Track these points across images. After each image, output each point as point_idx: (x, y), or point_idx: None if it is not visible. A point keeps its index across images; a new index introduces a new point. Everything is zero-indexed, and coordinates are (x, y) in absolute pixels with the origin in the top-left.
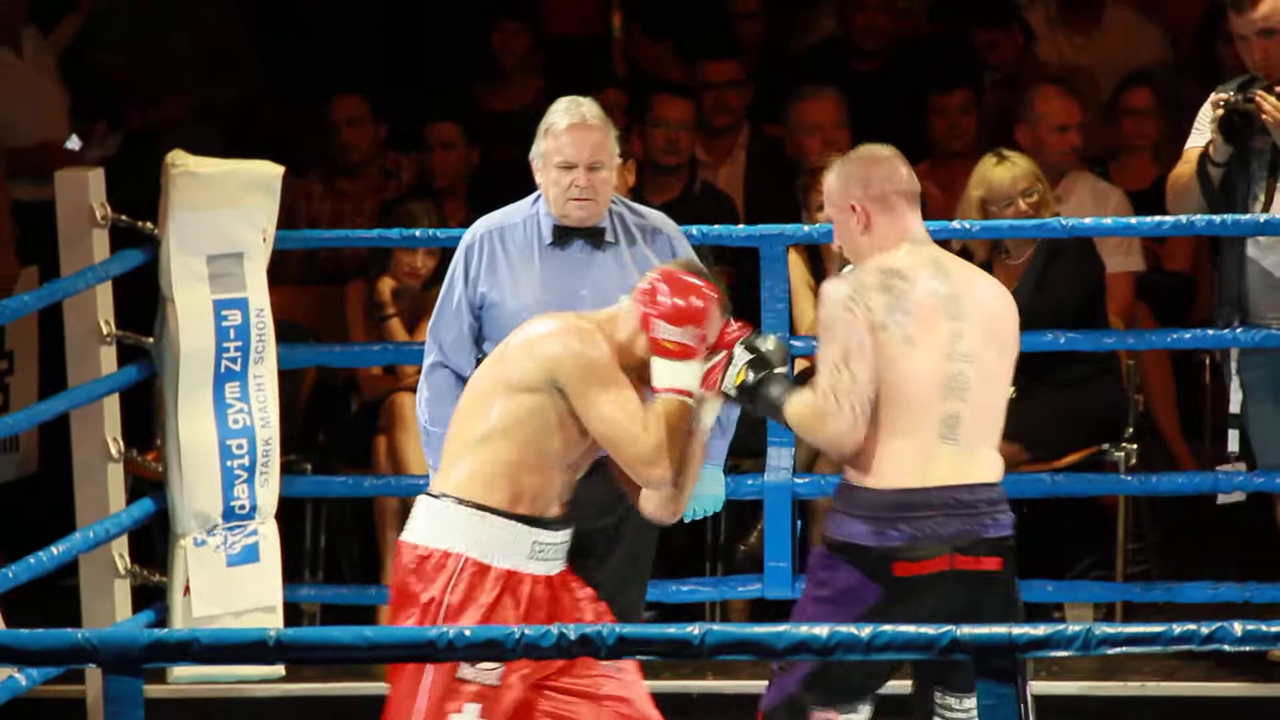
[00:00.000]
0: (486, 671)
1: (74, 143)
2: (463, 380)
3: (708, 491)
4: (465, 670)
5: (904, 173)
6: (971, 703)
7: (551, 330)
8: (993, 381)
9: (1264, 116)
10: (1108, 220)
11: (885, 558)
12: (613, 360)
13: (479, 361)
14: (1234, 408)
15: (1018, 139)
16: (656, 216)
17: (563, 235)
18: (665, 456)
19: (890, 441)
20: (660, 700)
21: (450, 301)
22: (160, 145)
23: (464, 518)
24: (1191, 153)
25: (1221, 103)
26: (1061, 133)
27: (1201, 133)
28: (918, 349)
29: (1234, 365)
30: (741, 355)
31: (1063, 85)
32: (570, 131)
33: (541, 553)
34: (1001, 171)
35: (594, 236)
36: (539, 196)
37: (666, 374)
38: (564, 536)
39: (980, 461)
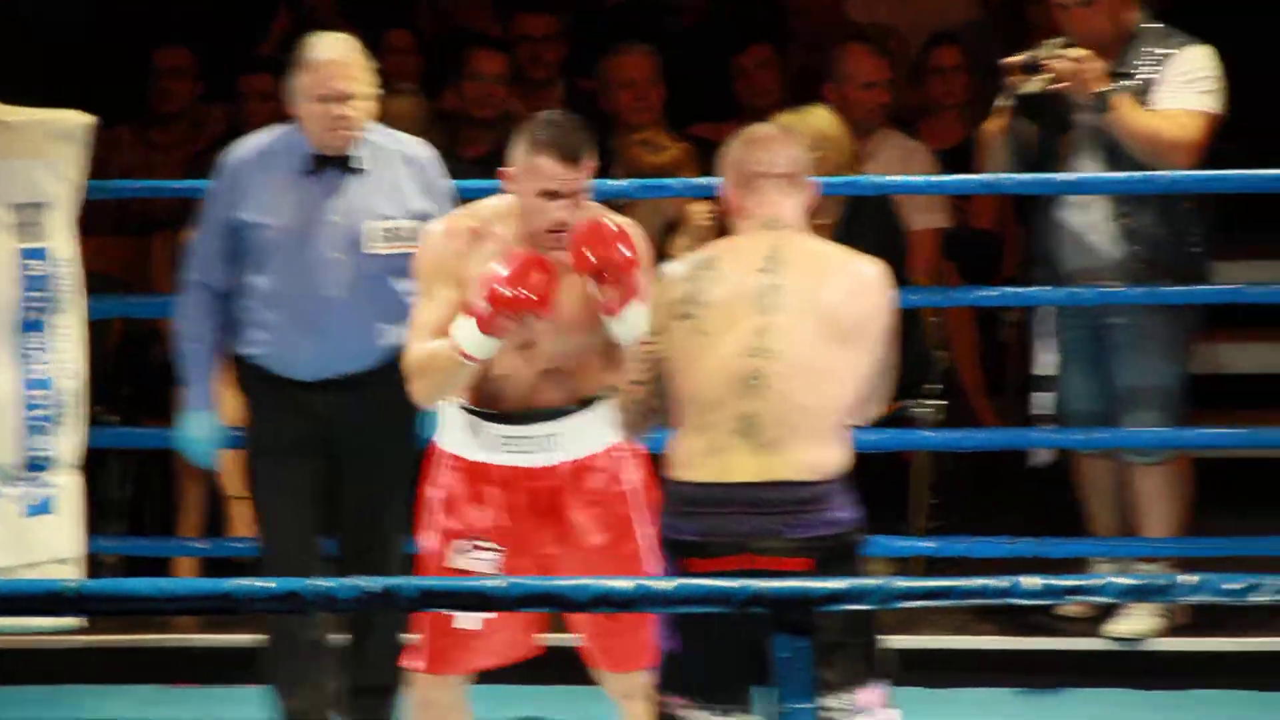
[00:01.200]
0: (478, 560)
1: None
2: (219, 296)
3: (204, 434)
4: (458, 561)
5: (770, 154)
6: (835, 700)
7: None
8: (809, 375)
9: (1055, 78)
10: (915, 178)
11: (681, 551)
12: (435, 263)
13: (235, 280)
14: (1038, 366)
15: (826, 97)
16: (412, 143)
17: (318, 163)
18: (421, 380)
19: (689, 435)
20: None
21: (207, 222)
22: None
23: (448, 415)
24: (1002, 110)
25: (1016, 69)
26: (868, 90)
27: (1011, 91)
28: (712, 343)
29: (1039, 323)
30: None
31: (870, 43)
32: (328, 65)
33: (508, 445)
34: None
35: (346, 163)
36: (296, 124)
37: (465, 336)
38: (533, 430)
39: (787, 459)
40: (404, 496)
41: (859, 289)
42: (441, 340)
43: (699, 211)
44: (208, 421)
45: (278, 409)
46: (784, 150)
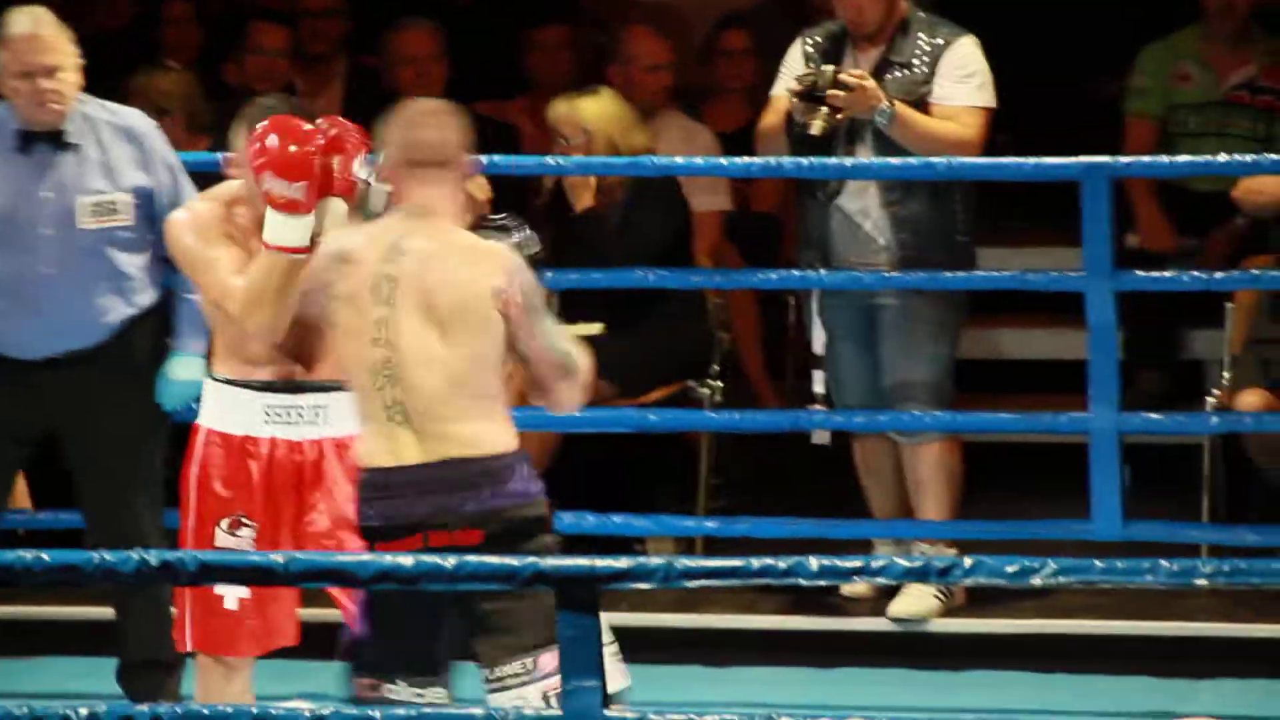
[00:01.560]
0: (238, 538)
1: None
2: None
3: (195, 376)
4: (220, 539)
5: (419, 139)
6: (510, 667)
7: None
8: (432, 362)
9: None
10: (699, 160)
11: (367, 536)
12: (203, 239)
13: None
14: (816, 348)
15: (610, 78)
16: (130, 115)
17: (27, 139)
18: (260, 308)
19: (362, 424)
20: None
21: None
22: None
23: (208, 391)
24: (778, 101)
25: (797, 100)
26: (652, 72)
27: (786, 78)
28: (350, 336)
29: (815, 307)
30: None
31: (654, 25)
32: (25, 40)
33: (271, 417)
34: (553, 110)
35: (56, 138)
36: (4, 102)
37: (272, 229)
38: (301, 400)
39: (449, 440)
40: (149, 471)
41: (467, 275)
42: (256, 259)
43: (477, 188)
44: None
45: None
46: (439, 133)
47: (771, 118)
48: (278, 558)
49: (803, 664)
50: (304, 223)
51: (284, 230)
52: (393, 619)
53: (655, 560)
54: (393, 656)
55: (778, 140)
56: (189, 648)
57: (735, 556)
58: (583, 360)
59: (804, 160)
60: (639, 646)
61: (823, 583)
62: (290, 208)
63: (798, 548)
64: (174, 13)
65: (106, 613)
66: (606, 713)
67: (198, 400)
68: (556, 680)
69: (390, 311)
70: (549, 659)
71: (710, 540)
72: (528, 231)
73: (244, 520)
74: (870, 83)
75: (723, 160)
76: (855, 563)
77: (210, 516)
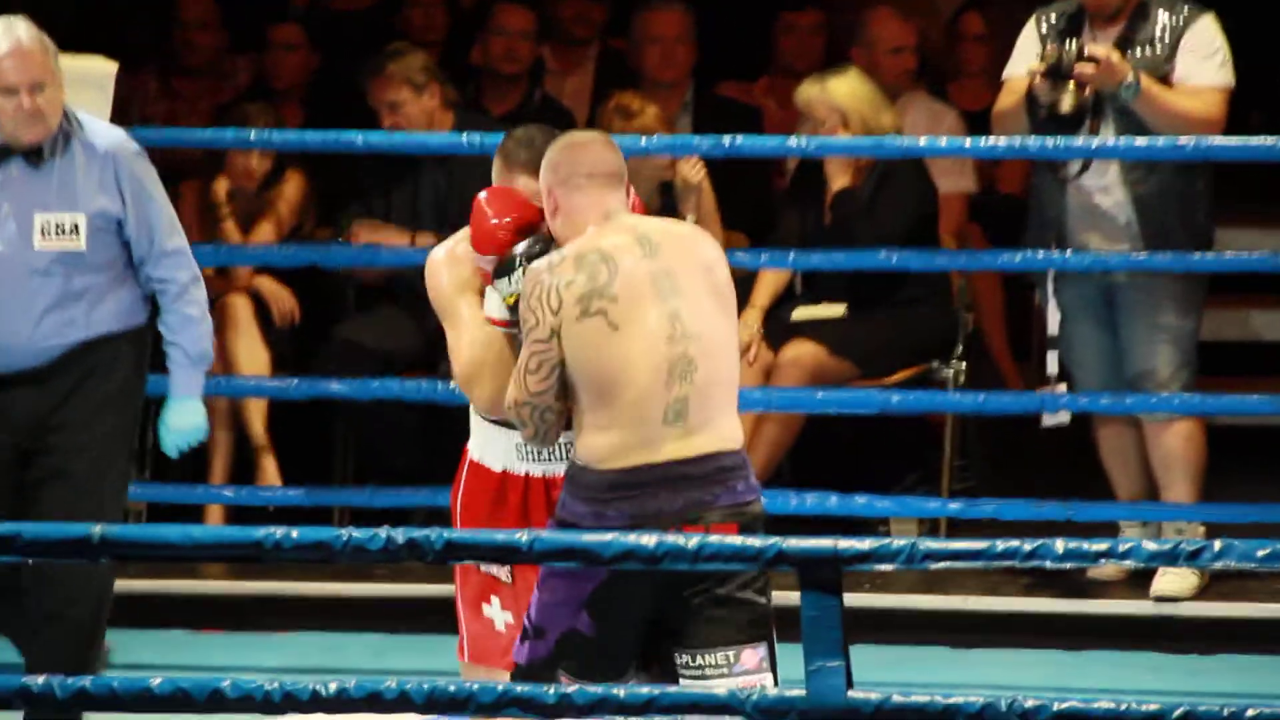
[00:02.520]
0: (500, 569)
1: None
2: None
3: (188, 423)
4: (487, 568)
5: (593, 156)
6: (713, 658)
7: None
8: (720, 349)
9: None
10: (941, 141)
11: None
12: (454, 284)
13: None
14: (1052, 329)
15: (854, 60)
16: (110, 136)
17: (2, 155)
18: (479, 382)
19: (612, 431)
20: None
21: None
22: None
23: (473, 424)
24: (1015, 82)
25: (1042, 77)
26: (896, 55)
27: (1022, 58)
28: (629, 335)
29: (1050, 287)
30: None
31: (897, 7)
32: (9, 56)
33: (531, 455)
34: (800, 94)
35: (31, 156)
36: None
37: (486, 303)
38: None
39: (712, 434)
40: (114, 494)
41: (720, 253)
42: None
43: (690, 168)
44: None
45: None
46: (605, 153)
47: (1008, 99)
48: (522, 536)
49: (1047, 646)
50: (496, 295)
51: (490, 304)
52: (612, 618)
53: (899, 541)
54: (602, 654)
55: (1016, 122)
56: (465, 659)
57: (979, 538)
58: None
59: (1049, 140)
60: (882, 627)
61: (1068, 565)
62: (486, 280)
63: (1042, 529)
64: None
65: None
66: (850, 693)
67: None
68: (754, 679)
69: (679, 304)
70: (751, 655)
71: (954, 521)
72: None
73: None
74: (1116, 55)
75: (966, 141)
76: (1102, 545)
77: None
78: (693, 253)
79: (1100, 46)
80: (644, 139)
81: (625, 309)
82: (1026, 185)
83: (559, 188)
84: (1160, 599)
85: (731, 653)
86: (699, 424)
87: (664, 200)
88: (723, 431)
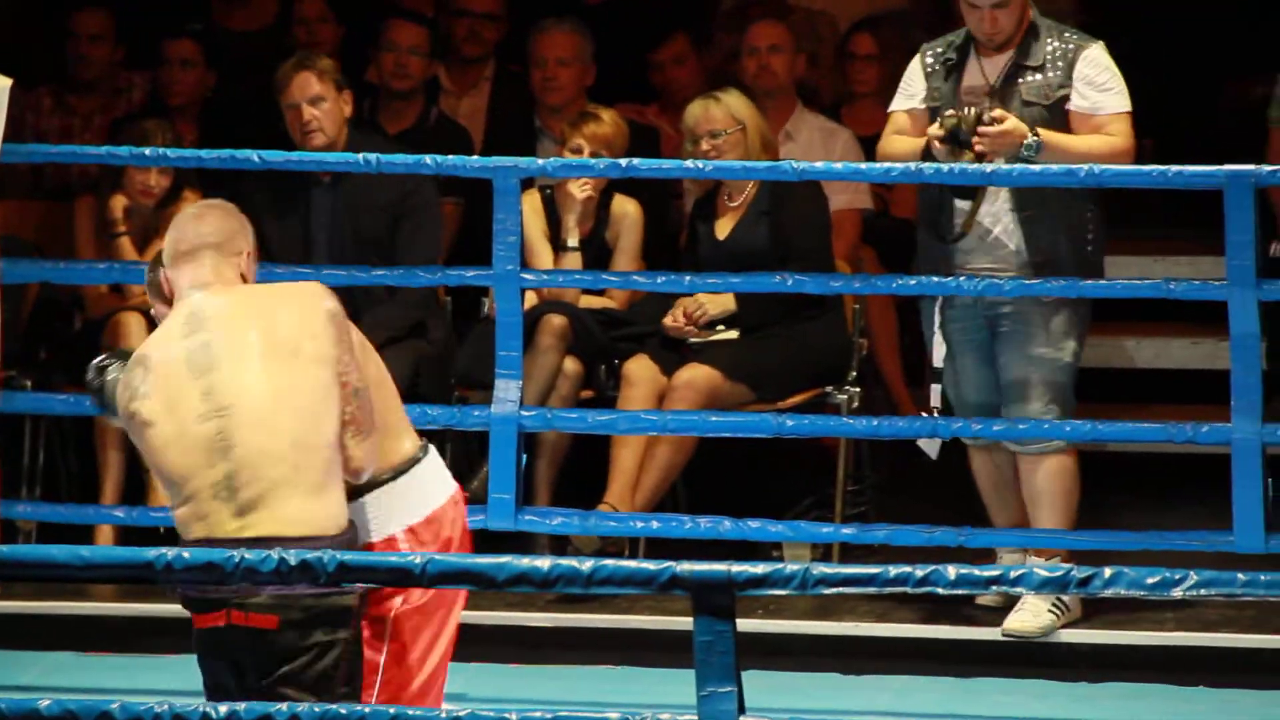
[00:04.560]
0: None
1: None
2: None
3: None
4: None
5: (190, 230)
6: None
7: None
8: (268, 416)
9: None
10: (838, 165)
11: (185, 608)
12: None
13: None
14: (936, 362)
15: (743, 71)
16: None
17: None
18: None
19: (181, 508)
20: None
21: None
22: None
23: None
24: (898, 119)
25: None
26: (773, 54)
27: (907, 95)
28: (163, 425)
29: (936, 319)
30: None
31: (773, 12)
32: None
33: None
34: (695, 108)
35: None
36: None
37: None
38: None
39: (276, 516)
40: None
41: (293, 307)
42: None
43: (578, 186)
44: None
45: None
46: (211, 221)
47: (896, 142)
48: (415, 559)
49: (939, 673)
50: None
51: None
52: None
53: (792, 566)
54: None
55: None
56: None
57: (872, 564)
58: None
59: (943, 166)
60: (774, 652)
61: (960, 591)
62: None
63: (934, 555)
64: (308, 11)
65: None
66: (742, 718)
67: None
68: None
69: (214, 378)
70: None
71: (846, 547)
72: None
73: None
74: (1013, 122)
75: (862, 165)
76: (993, 572)
77: None
78: (250, 315)
79: (997, 113)
80: (540, 160)
81: (157, 402)
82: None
83: (171, 269)
84: (1009, 636)
85: None
86: (254, 502)
87: (596, 223)
88: (286, 514)
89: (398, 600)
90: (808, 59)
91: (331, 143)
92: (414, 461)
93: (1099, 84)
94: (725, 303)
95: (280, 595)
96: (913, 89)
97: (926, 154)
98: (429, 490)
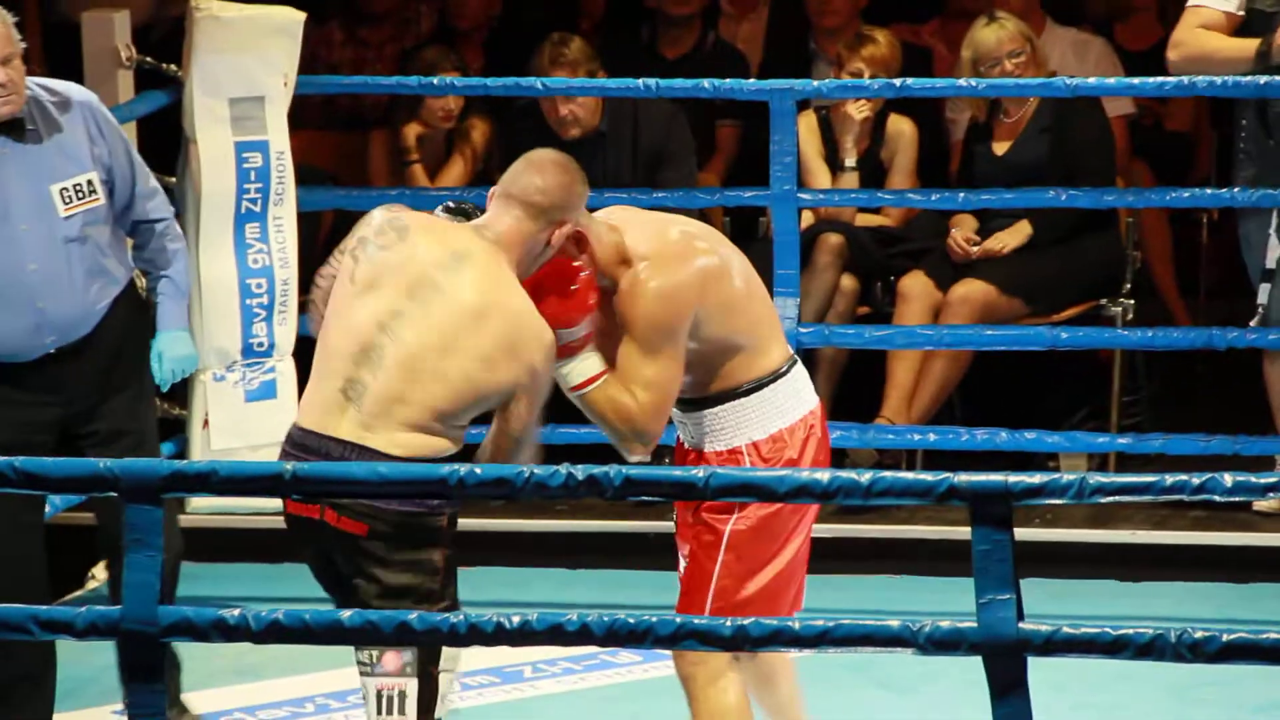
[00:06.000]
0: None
1: None
2: None
3: (182, 352)
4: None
5: (526, 180)
6: (360, 654)
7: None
8: (418, 376)
9: None
10: (1111, 80)
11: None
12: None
13: None
14: (1269, 263)
15: None
16: (70, 89)
17: None
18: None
19: (313, 379)
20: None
21: None
22: None
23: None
24: (1209, 13)
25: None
26: None
27: None
28: (353, 300)
29: (1275, 223)
30: None
31: None
32: None
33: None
34: (988, 33)
35: (14, 129)
36: None
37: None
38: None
39: (383, 436)
40: (153, 444)
41: (502, 331)
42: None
43: (856, 107)
44: None
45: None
46: (540, 180)
47: (1205, 36)
48: (698, 473)
49: (1215, 579)
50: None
51: (586, 367)
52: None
53: (1068, 476)
54: None
55: (1212, 64)
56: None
57: (1148, 473)
58: None
59: (1216, 79)
60: (1052, 561)
61: (1236, 499)
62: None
63: (1210, 464)
64: None
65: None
66: (1021, 625)
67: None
68: (391, 682)
69: (412, 308)
70: (392, 659)
71: (1122, 456)
72: None
73: None
74: None
75: (1135, 80)
76: (1270, 478)
77: None
78: (466, 282)
79: None
80: (815, 82)
81: (373, 277)
82: (1194, 123)
83: (494, 195)
84: None
85: (375, 652)
86: (377, 417)
87: (871, 143)
88: (399, 439)
89: (732, 517)
90: None
91: (586, 130)
92: (776, 376)
93: None
94: (1021, 230)
95: (371, 505)
96: None
97: (1261, 60)
98: (784, 407)
